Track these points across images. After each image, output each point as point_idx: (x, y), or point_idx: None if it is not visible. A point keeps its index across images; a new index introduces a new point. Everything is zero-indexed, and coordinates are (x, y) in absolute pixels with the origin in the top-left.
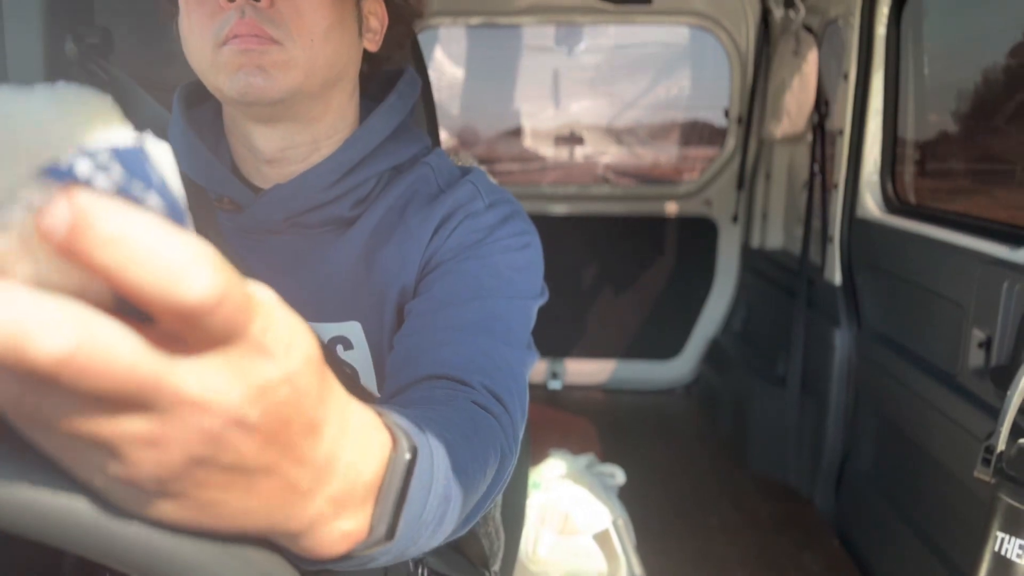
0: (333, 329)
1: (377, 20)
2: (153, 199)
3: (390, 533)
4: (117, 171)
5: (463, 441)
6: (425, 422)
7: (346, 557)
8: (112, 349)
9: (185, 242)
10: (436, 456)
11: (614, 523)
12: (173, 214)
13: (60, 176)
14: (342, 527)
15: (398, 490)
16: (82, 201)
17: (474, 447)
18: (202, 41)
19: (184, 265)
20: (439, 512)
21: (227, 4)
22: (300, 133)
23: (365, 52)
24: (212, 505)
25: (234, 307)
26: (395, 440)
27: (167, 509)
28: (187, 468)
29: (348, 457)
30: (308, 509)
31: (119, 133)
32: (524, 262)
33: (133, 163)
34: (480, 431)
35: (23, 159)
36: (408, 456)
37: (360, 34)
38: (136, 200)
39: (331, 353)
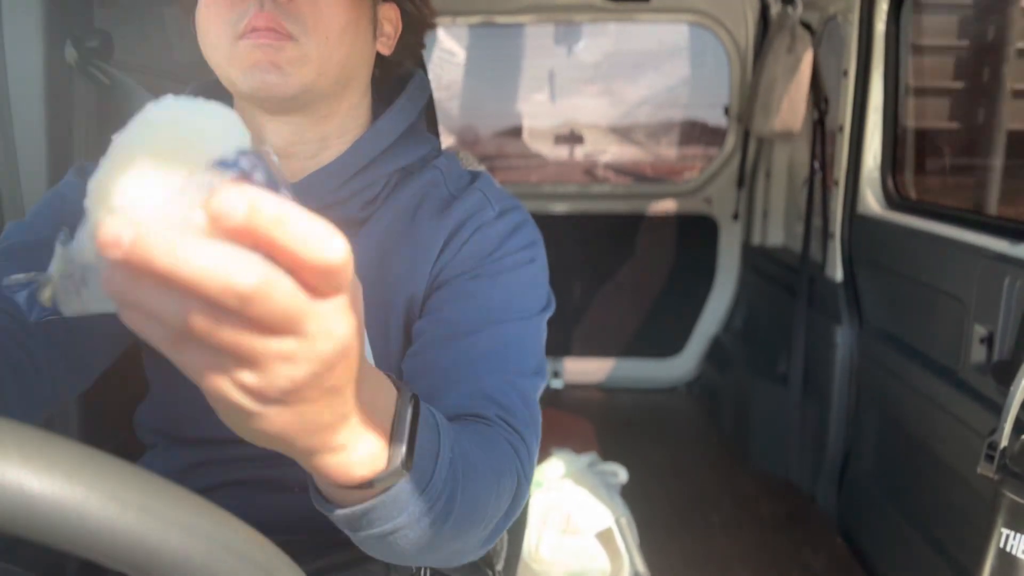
0: None
1: (391, 25)
2: (284, 192)
3: (407, 464)
4: (263, 168)
5: (477, 446)
6: (438, 415)
7: (369, 484)
8: (282, 286)
9: (322, 223)
10: (443, 430)
11: (617, 522)
12: (282, 192)
13: (228, 167)
14: (367, 449)
15: (408, 425)
16: (252, 192)
17: (488, 456)
18: (219, 32)
19: (327, 236)
20: (450, 485)
21: None
22: (310, 129)
23: (378, 56)
24: (302, 416)
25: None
26: (399, 389)
27: (272, 415)
28: (305, 383)
29: (366, 395)
30: (343, 431)
31: (246, 140)
32: (531, 277)
33: (267, 163)
34: (495, 445)
35: (191, 155)
36: (411, 400)
37: (374, 37)
38: (274, 190)
39: None
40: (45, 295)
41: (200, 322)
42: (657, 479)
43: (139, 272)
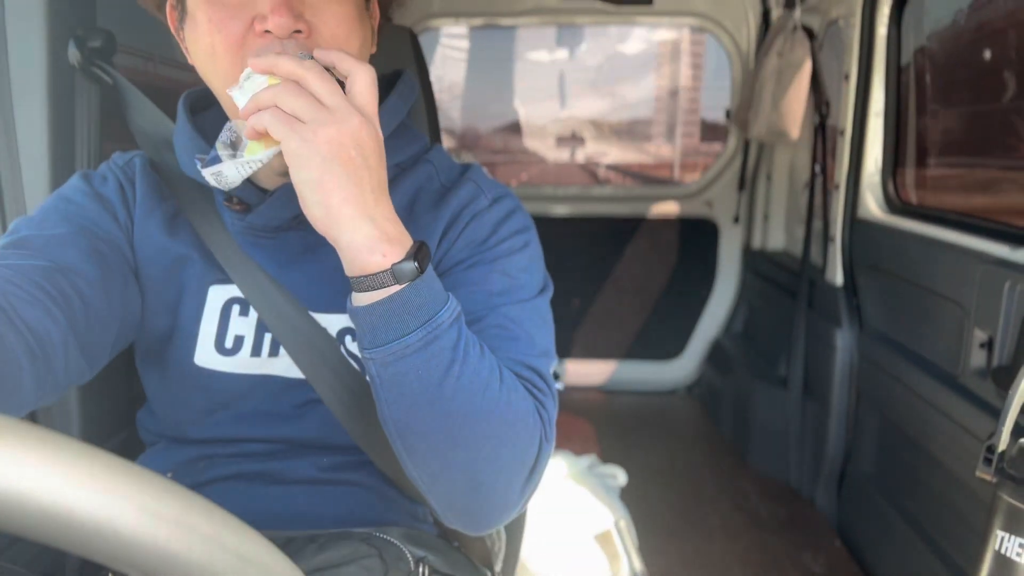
0: (341, 320)
1: (374, 21)
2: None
3: (421, 266)
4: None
5: (491, 368)
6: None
7: (387, 274)
8: (325, 74)
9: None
10: (455, 303)
11: (616, 524)
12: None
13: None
14: (388, 228)
15: (417, 247)
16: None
17: (504, 374)
18: (229, 65)
19: (357, 62)
20: (455, 331)
21: (262, 33)
22: None
23: None
24: (348, 166)
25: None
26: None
27: (318, 156)
28: (338, 140)
29: (384, 210)
30: (378, 207)
31: None
32: (527, 261)
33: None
34: (518, 388)
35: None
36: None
37: (372, 42)
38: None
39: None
40: (211, 168)
41: (288, 90)
42: (657, 481)
43: (276, 73)
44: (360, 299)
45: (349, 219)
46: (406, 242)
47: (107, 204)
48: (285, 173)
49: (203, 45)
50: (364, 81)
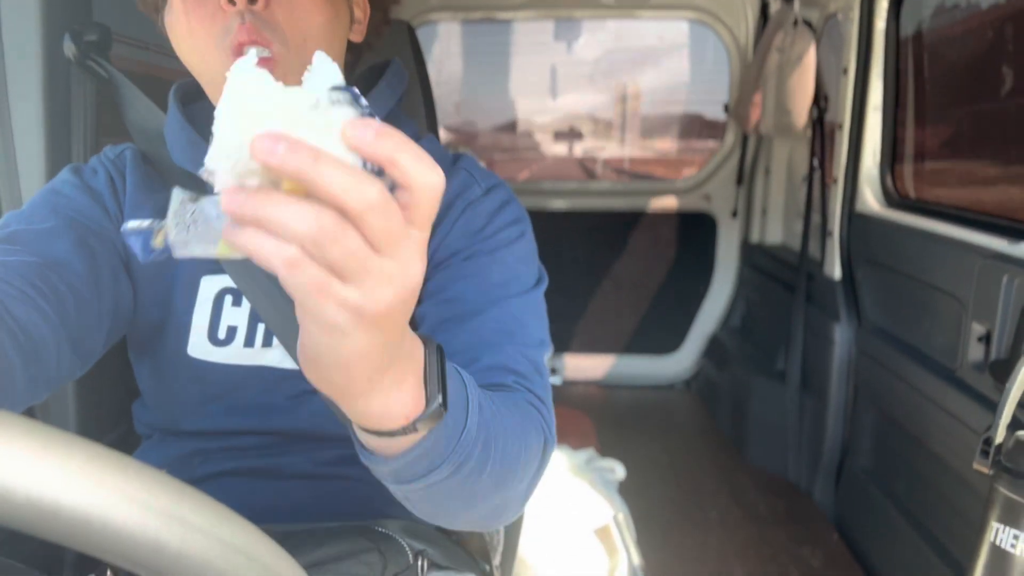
0: None
1: (360, 10)
2: (378, 119)
3: (443, 405)
4: (362, 97)
5: (501, 402)
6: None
7: (412, 428)
8: (394, 205)
9: (425, 154)
10: (470, 386)
11: (614, 518)
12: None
13: (343, 91)
14: (404, 395)
15: (438, 371)
16: (378, 123)
17: (510, 407)
18: (204, 44)
19: (432, 166)
20: (483, 435)
21: (228, 7)
22: None
23: (349, 43)
24: (382, 345)
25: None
26: (424, 341)
27: (361, 336)
28: (396, 305)
29: (407, 343)
30: (392, 370)
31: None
32: (523, 251)
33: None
34: (518, 404)
35: (300, 93)
36: (437, 351)
37: (350, 26)
38: (370, 111)
39: None
40: (158, 240)
41: (327, 229)
42: (655, 476)
43: (286, 175)
44: (369, 441)
45: (368, 392)
46: (431, 379)
47: (97, 196)
48: None
49: (182, 29)
50: (431, 196)
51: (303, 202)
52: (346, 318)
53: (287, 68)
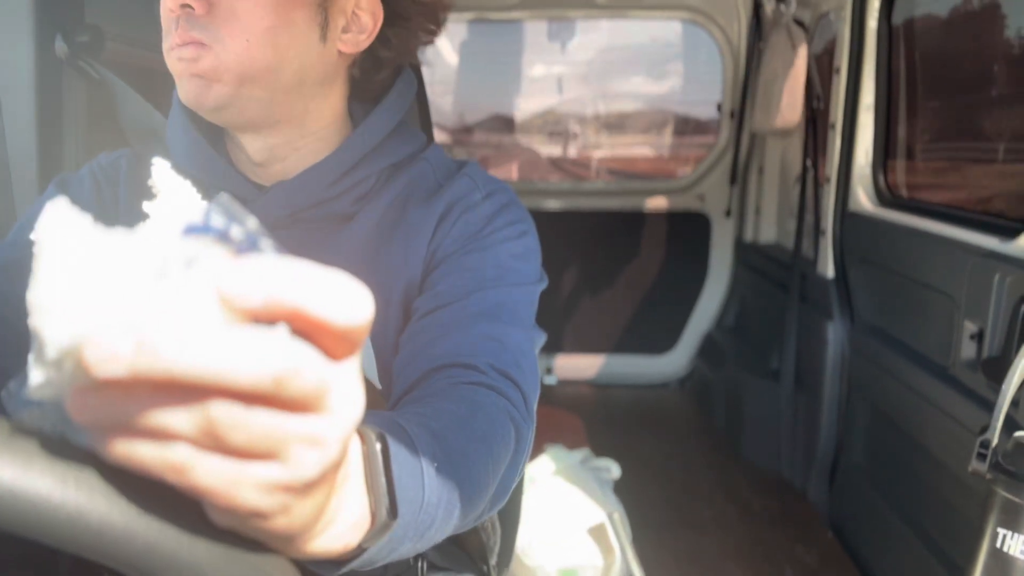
0: None
1: (370, 17)
2: (263, 239)
3: (392, 513)
4: (234, 219)
5: (457, 425)
6: (406, 419)
7: (362, 550)
8: (311, 358)
9: (342, 276)
10: (420, 442)
11: (609, 517)
12: (261, 244)
13: (200, 231)
14: (348, 520)
15: (383, 474)
16: (264, 264)
17: (472, 429)
18: (164, 46)
19: (355, 294)
20: (444, 491)
21: (171, 12)
22: (272, 136)
23: (368, 53)
24: (316, 501)
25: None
26: (362, 436)
27: (295, 508)
28: (332, 463)
29: (349, 467)
30: (331, 505)
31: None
32: (523, 250)
33: (232, 210)
34: (482, 412)
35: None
36: (379, 444)
37: (323, 36)
38: (255, 242)
39: None
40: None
41: (221, 420)
42: (650, 475)
43: (150, 383)
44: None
45: (307, 542)
46: (375, 486)
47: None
48: (275, 166)
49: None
50: (358, 330)
51: (179, 392)
52: (273, 500)
53: (218, 64)
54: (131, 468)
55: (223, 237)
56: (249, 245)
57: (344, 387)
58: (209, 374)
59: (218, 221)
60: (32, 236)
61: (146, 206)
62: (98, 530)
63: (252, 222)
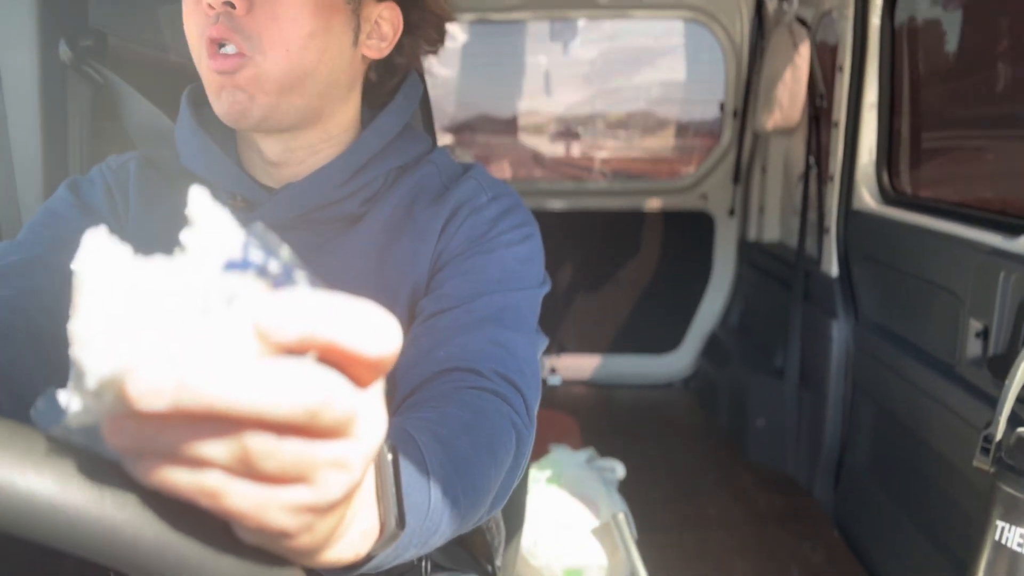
0: None
1: (390, 26)
2: (298, 270)
3: (400, 522)
4: (272, 253)
5: (462, 431)
6: (413, 425)
7: (370, 557)
8: (343, 388)
9: (374, 308)
10: (427, 450)
11: (614, 517)
12: (296, 276)
13: (241, 267)
14: (360, 529)
15: (393, 484)
16: (298, 299)
17: (477, 435)
18: (196, 44)
19: (384, 325)
20: (449, 498)
21: (210, 9)
22: (294, 139)
23: (378, 60)
24: (339, 519)
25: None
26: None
27: (319, 528)
28: (355, 485)
29: (360, 504)
30: (346, 518)
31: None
32: (527, 253)
33: (269, 243)
34: (487, 418)
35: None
36: (390, 456)
37: (355, 40)
38: (290, 275)
39: None
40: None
41: (254, 449)
42: (654, 474)
43: (189, 416)
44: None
45: (320, 553)
46: (385, 495)
47: (94, 213)
48: (291, 168)
49: (187, 29)
50: (386, 360)
51: (215, 423)
52: (299, 521)
53: (259, 74)
54: (164, 491)
55: (261, 272)
56: (285, 278)
57: (369, 412)
58: (248, 409)
59: (256, 256)
60: (72, 266)
61: (183, 236)
62: (132, 544)
63: (286, 252)
